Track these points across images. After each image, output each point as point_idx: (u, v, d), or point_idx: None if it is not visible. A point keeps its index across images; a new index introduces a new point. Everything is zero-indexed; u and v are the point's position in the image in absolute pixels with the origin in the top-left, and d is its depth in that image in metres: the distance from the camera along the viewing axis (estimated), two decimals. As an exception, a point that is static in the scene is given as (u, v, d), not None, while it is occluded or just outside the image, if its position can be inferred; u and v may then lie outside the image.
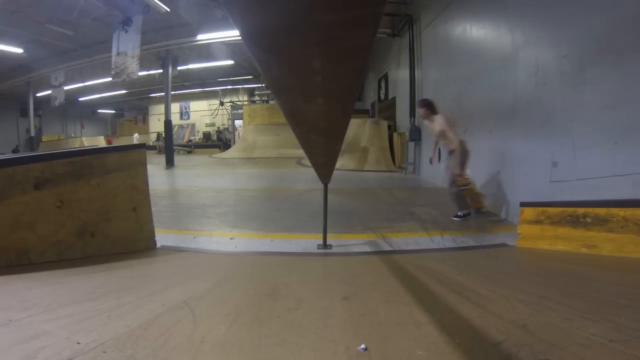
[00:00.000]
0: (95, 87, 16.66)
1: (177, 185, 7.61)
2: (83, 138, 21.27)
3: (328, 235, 2.95)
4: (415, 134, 7.50)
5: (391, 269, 2.26)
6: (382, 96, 11.58)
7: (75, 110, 23.56)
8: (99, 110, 25.65)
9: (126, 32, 8.78)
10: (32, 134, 16.95)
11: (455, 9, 5.50)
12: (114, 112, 26.79)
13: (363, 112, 13.60)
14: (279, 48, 0.81)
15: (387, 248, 2.92)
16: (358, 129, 9.70)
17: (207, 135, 22.24)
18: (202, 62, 13.51)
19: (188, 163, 12.60)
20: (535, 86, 3.45)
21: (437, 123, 3.76)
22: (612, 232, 2.26)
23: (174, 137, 15.23)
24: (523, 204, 2.85)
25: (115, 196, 2.55)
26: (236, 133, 20.04)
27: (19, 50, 10.86)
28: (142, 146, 2.90)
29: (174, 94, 17.62)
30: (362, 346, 1.19)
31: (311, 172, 2.95)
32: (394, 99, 9.92)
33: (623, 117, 2.48)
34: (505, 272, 2.35)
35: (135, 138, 20.44)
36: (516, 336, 1.24)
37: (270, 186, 7.10)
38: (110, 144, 19.39)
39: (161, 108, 19.60)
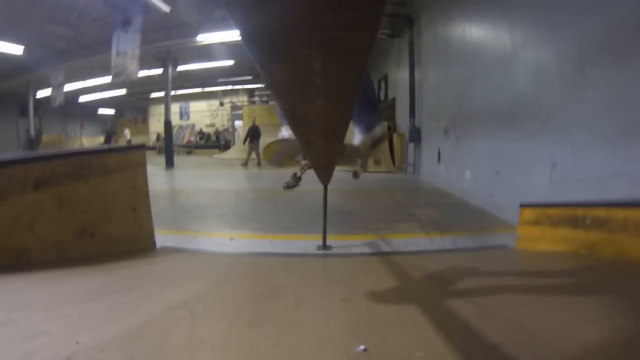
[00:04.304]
0: (95, 87, 16.66)
1: (177, 185, 7.60)
2: (83, 138, 21.34)
3: (328, 236, 2.95)
4: (415, 135, 7.49)
5: (391, 270, 2.26)
6: (382, 97, 11.58)
7: (75, 110, 23.55)
8: (99, 110, 25.66)
9: (126, 32, 8.77)
10: (32, 134, 16.94)
11: (455, 10, 5.50)
12: (114, 112, 26.80)
13: (363, 113, 13.56)
14: (279, 49, 0.81)
15: (386, 249, 2.92)
16: (358, 129, 9.68)
17: (206, 136, 22.30)
18: (202, 63, 13.51)
19: (188, 164, 12.60)
20: (535, 87, 3.45)
21: None
22: (612, 233, 2.26)
23: (174, 137, 15.23)
24: (523, 205, 2.85)
25: (115, 197, 2.55)
26: (236, 134, 20.05)
27: (19, 50, 10.86)
28: (141, 147, 2.89)
29: (174, 95, 17.61)
30: (362, 347, 1.19)
31: (311, 173, 2.95)
32: (393, 99, 9.92)
33: (623, 118, 2.48)
34: (505, 273, 2.35)
35: (127, 133, 20.64)
36: (516, 337, 1.24)
37: (270, 187, 7.09)
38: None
39: (161, 108, 19.59)
